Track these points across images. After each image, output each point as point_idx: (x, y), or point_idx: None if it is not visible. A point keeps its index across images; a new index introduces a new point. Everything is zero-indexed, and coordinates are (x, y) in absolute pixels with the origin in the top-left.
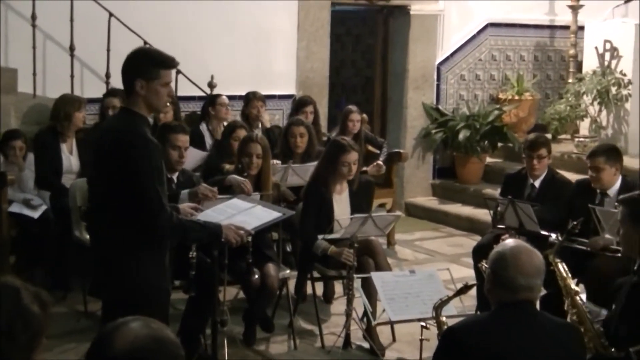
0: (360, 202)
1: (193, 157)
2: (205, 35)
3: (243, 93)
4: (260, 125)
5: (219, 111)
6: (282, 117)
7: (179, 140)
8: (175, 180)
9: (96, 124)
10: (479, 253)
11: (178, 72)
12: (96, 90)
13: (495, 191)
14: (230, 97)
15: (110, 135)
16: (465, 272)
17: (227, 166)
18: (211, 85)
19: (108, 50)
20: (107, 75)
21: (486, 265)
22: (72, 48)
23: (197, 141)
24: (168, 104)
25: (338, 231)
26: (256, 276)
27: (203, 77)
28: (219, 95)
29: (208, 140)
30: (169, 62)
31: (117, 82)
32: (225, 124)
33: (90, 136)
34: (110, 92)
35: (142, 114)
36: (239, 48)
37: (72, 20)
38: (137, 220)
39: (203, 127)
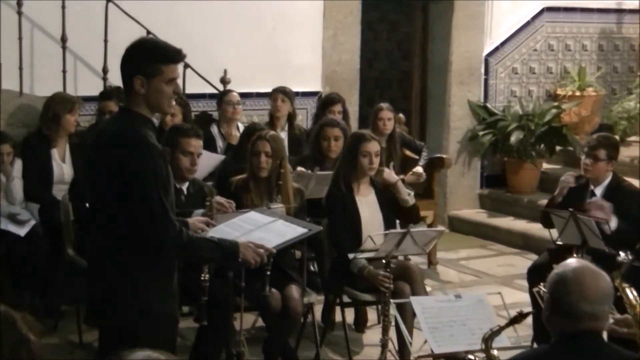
0: (389, 206)
1: (205, 163)
2: (217, 24)
3: (261, 90)
4: (286, 127)
5: (225, 110)
6: (306, 117)
7: (191, 145)
8: (185, 191)
9: (92, 126)
10: (535, 275)
11: (186, 66)
12: (92, 87)
13: None
14: (245, 95)
15: (106, 139)
16: (519, 297)
17: (236, 178)
18: (224, 81)
19: (105, 41)
20: (105, 70)
21: (544, 290)
22: (64, 39)
23: (207, 145)
24: (174, 103)
25: (370, 248)
26: (272, 290)
27: (215, 72)
28: (227, 92)
29: (219, 144)
30: (172, 56)
31: (116, 79)
32: (240, 125)
33: (85, 141)
34: (105, 94)
35: (143, 114)
36: (255, 38)
37: (63, 7)
38: (140, 237)
39: (214, 129)
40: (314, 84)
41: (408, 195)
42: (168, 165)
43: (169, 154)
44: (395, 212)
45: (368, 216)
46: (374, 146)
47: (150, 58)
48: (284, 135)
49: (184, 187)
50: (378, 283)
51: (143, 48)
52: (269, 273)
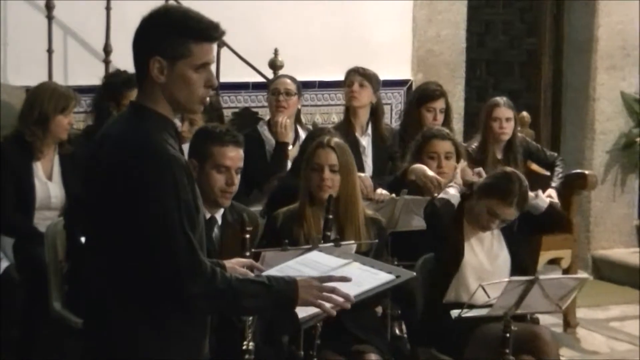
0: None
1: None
2: None
3: (326, 77)
4: (369, 129)
5: (270, 102)
6: (390, 114)
7: (226, 157)
8: (220, 221)
9: (89, 129)
10: None
11: (221, 44)
12: (89, 73)
13: None
14: (304, 85)
15: (109, 148)
16: None
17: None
18: (274, 65)
19: (108, 9)
20: (107, 51)
21: None
22: (49, 6)
23: (252, 150)
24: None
25: (482, 303)
26: None
27: (261, 53)
28: (276, 78)
29: (270, 150)
30: (207, 31)
31: (123, 61)
32: (301, 131)
33: (81, 150)
34: (114, 84)
35: (161, 113)
36: (318, 6)
37: None
38: (155, 285)
39: (263, 128)
40: (401, 70)
41: (535, 198)
42: (195, 185)
43: (196, 170)
44: (530, 227)
45: (484, 256)
46: (444, 146)
47: (176, 32)
48: (365, 140)
49: (218, 215)
50: None
51: (165, 18)
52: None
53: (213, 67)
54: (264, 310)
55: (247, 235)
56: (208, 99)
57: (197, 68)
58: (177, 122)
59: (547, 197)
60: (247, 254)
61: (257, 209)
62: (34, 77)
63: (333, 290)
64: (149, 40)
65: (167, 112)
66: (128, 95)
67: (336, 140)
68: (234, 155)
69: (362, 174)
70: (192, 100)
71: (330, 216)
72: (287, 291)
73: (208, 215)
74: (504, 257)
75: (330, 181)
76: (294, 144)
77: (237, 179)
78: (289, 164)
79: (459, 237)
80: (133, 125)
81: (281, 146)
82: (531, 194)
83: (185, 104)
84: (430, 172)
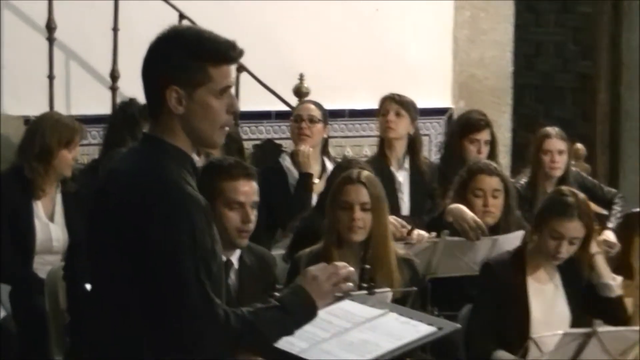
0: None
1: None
2: (285, 3)
3: (357, 106)
4: (406, 162)
5: (292, 130)
6: (428, 146)
7: (239, 191)
8: (237, 264)
9: (94, 163)
10: None
11: (240, 69)
12: (95, 101)
13: None
14: (332, 114)
15: (119, 185)
16: None
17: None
18: (299, 92)
19: (115, 30)
20: (114, 76)
21: None
22: (50, 27)
23: (275, 184)
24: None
25: (532, 356)
26: None
27: (285, 78)
28: (299, 103)
29: (293, 183)
30: (225, 51)
31: (132, 88)
32: (328, 163)
33: (86, 187)
34: (125, 116)
35: (178, 146)
36: (348, 25)
37: None
38: (167, 336)
39: (285, 160)
40: (441, 97)
41: (613, 280)
42: (214, 228)
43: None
44: (588, 305)
45: (543, 310)
46: (491, 182)
47: (192, 57)
48: (402, 175)
49: (234, 257)
50: None
51: (178, 42)
52: None
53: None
54: (289, 330)
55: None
56: (227, 128)
57: (218, 94)
58: (195, 157)
59: (604, 239)
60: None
61: (280, 252)
62: (33, 105)
63: (336, 270)
64: (163, 68)
65: (184, 146)
66: (145, 127)
67: (367, 173)
68: (247, 189)
69: (393, 219)
70: (214, 130)
71: (368, 266)
72: (303, 300)
73: (224, 259)
74: (563, 310)
75: (361, 221)
76: (320, 178)
77: (253, 214)
78: (315, 199)
79: (523, 296)
80: (146, 160)
81: (304, 177)
82: (611, 275)
83: (207, 135)
84: (469, 214)
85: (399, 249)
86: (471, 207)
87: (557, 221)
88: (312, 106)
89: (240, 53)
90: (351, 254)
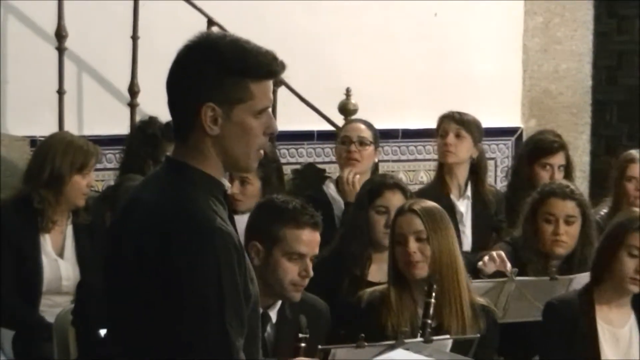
0: None
1: None
2: (329, 9)
3: (412, 125)
4: (468, 191)
5: (339, 153)
6: (494, 171)
7: (302, 242)
8: (275, 318)
9: (110, 191)
10: None
11: (278, 83)
12: (111, 120)
13: None
14: (384, 135)
15: (141, 217)
16: None
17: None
18: (346, 109)
19: (134, 39)
20: (133, 91)
21: None
22: (60, 35)
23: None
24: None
25: None
26: None
27: (329, 93)
28: (347, 123)
29: (339, 214)
30: (267, 64)
31: (152, 104)
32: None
33: (100, 218)
34: (146, 137)
35: (207, 173)
36: (400, 35)
37: None
38: None
39: (330, 188)
40: (509, 115)
41: None
42: (247, 266)
43: (261, 255)
44: None
45: (617, 358)
46: (565, 206)
47: (232, 69)
48: (463, 205)
49: (273, 312)
50: None
51: (216, 52)
52: None
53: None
54: None
55: (302, 345)
56: (262, 151)
57: (257, 113)
58: (226, 183)
59: None
60: None
61: None
62: (41, 125)
63: None
64: (196, 83)
65: (214, 171)
66: (168, 150)
67: (424, 204)
68: (311, 240)
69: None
70: (250, 153)
71: (432, 300)
72: None
73: (260, 311)
74: None
75: (418, 254)
76: None
77: (310, 267)
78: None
79: (593, 342)
80: (171, 188)
81: (349, 208)
82: None
83: (242, 159)
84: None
85: (476, 293)
86: (540, 235)
87: (636, 236)
88: (362, 126)
89: (283, 66)
90: (416, 292)
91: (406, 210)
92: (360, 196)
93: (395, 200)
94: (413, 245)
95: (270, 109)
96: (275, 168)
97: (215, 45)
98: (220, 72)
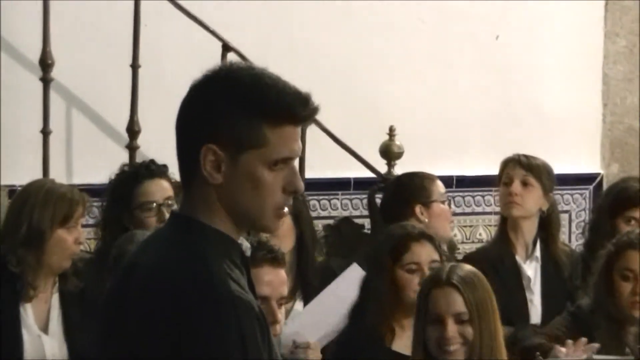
0: None
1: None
2: (365, 33)
3: (466, 171)
4: (536, 250)
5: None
6: (568, 227)
7: (262, 282)
8: None
9: (103, 250)
10: None
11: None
12: (106, 165)
13: None
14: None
15: (144, 284)
16: None
17: None
18: (389, 151)
19: (134, 67)
20: (133, 130)
21: None
22: (45, 63)
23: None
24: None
25: None
26: None
27: (369, 132)
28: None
29: None
30: (290, 107)
31: (156, 147)
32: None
33: (93, 284)
34: (117, 187)
35: (219, 230)
36: (454, 61)
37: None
38: None
39: None
40: (585, 159)
41: None
42: (270, 337)
43: None
44: None
45: None
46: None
47: (243, 106)
48: (532, 268)
49: None
50: None
51: (230, 84)
52: None
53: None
54: None
55: None
56: (285, 210)
57: (272, 164)
58: (244, 243)
59: None
60: None
61: None
62: (22, 171)
63: None
64: (202, 119)
65: (226, 228)
66: (142, 197)
67: (459, 272)
68: (273, 280)
69: None
70: (264, 211)
71: None
72: None
73: None
74: None
75: (458, 338)
76: None
77: (280, 313)
78: None
79: None
80: (179, 249)
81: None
82: None
83: (254, 216)
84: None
85: None
86: (616, 295)
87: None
88: (439, 186)
89: (314, 111)
90: None
91: (443, 282)
92: (379, 255)
93: (425, 253)
94: (452, 328)
95: (294, 161)
96: (302, 201)
97: (232, 77)
98: (231, 108)
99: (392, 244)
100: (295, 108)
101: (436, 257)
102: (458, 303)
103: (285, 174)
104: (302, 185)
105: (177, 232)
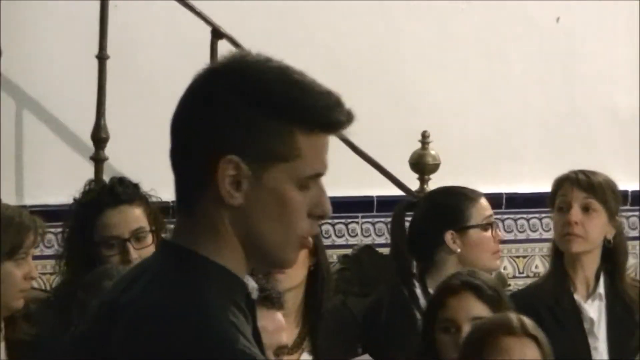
0: None
1: None
2: (397, 15)
3: (511, 189)
4: (600, 285)
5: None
6: (638, 256)
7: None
8: None
9: (66, 287)
10: None
11: None
12: (67, 181)
13: None
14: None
15: (130, 332)
16: None
17: None
18: (421, 164)
19: (102, 58)
20: (99, 138)
21: None
22: None
23: (402, 322)
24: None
25: None
26: None
27: (397, 139)
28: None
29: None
30: (327, 112)
31: (129, 158)
32: None
33: (50, 332)
34: (79, 215)
35: (222, 265)
36: (504, 54)
37: None
38: None
39: (418, 287)
40: (631, 180)
41: None
42: None
43: None
44: None
45: None
46: None
47: (273, 110)
48: (594, 308)
49: None
50: None
51: (251, 80)
52: None
53: None
54: None
55: None
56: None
57: (304, 181)
58: (250, 282)
59: None
60: None
61: None
62: None
63: None
64: (217, 124)
65: (236, 265)
66: (103, 230)
67: (529, 327)
68: (267, 325)
69: None
70: (287, 242)
71: None
72: None
73: None
74: None
75: None
76: None
77: None
78: None
79: None
80: (173, 292)
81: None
82: None
83: (276, 247)
84: None
85: None
86: None
87: None
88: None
89: (350, 117)
90: None
91: (519, 331)
92: (427, 308)
93: (463, 310)
94: None
95: (322, 181)
96: (322, 247)
97: (250, 71)
98: (256, 111)
99: (429, 300)
100: (333, 112)
101: (480, 311)
102: (533, 355)
103: (313, 194)
104: (330, 208)
105: (172, 268)
